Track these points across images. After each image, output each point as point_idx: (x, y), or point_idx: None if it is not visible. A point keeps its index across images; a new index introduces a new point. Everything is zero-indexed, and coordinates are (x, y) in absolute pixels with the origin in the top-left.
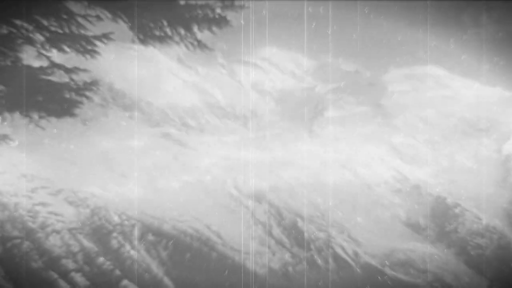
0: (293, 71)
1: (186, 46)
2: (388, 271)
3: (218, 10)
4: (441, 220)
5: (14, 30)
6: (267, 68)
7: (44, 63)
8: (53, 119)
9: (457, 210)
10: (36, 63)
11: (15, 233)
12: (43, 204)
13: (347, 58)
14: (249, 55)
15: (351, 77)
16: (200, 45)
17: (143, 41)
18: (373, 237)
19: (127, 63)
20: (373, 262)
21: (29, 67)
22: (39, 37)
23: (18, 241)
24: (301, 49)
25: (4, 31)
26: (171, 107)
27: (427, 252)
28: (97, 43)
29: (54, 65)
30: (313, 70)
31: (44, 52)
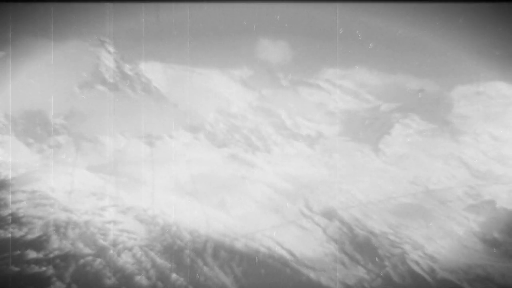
0: (357, 91)
1: None
2: (466, 286)
3: None
4: None
5: None
6: (330, 89)
7: None
8: None
9: None
10: None
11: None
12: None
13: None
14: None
15: (416, 95)
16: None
17: None
18: (449, 253)
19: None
20: (451, 277)
21: None
22: None
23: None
24: (362, 68)
25: None
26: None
27: (506, 267)
28: None
29: None
30: (378, 89)
31: None
